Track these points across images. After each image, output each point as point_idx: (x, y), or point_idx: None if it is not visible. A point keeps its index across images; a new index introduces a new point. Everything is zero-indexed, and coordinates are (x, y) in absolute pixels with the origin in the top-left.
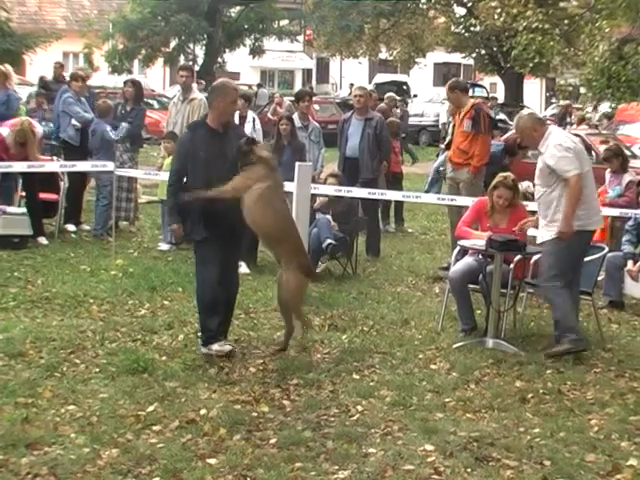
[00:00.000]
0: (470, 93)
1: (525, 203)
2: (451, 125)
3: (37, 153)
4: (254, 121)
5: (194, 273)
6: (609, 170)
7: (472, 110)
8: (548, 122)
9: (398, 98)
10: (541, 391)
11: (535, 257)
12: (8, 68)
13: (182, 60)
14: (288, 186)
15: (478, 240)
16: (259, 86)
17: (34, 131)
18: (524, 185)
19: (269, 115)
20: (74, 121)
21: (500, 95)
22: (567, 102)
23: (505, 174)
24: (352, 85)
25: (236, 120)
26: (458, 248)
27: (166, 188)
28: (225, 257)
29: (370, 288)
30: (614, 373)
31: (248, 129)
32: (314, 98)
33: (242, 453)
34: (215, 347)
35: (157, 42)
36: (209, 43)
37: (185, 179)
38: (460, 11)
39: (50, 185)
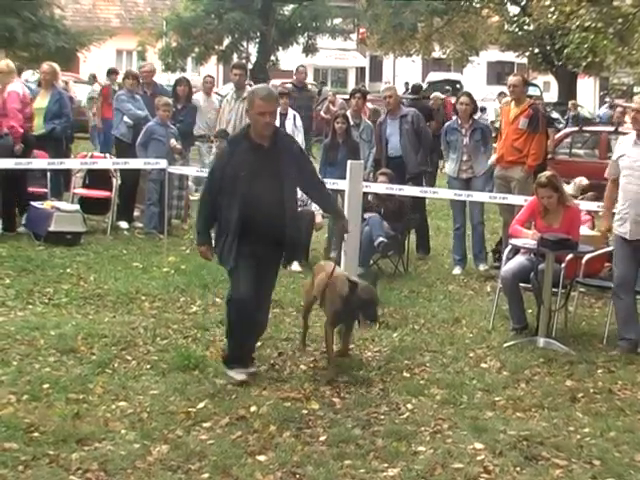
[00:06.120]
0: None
1: (577, 202)
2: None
3: None
4: (295, 118)
5: None
6: None
7: (530, 109)
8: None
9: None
10: (592, 390)
11: (587, 256)
12: (54, 66)
13: (235, 58)
14: (340, 184)
15: (527, 239)
16: (322, 84)
17: None
18: (577, 181)
19: (322, 113)
20: (126, 118)
21: (554, 94)
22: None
23: (541, 173)
24: (407, 84)
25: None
26: (510, 247)
27: (197, 206)
28: (259, 278)
29: (421, 286)
30: None
31: (289, 126)
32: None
33: (292, 450)
34: (231, 373)
35: (210, 40)
36: (262, 41)
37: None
38: (514, 10)
39: (103, 182)
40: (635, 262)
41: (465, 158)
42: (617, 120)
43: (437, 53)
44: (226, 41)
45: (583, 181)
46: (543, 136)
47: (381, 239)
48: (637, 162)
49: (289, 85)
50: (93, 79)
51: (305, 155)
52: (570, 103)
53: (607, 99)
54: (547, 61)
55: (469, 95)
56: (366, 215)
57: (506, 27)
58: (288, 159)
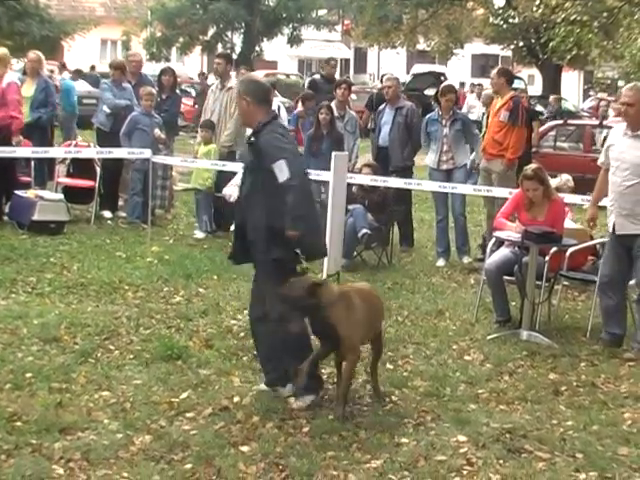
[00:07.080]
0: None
1: (562, 195)
2: (484, 116)
3: None
4: (279, 109)
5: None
6: None
7: (511, 102)
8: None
9: None
10: (575, 384)
11: (571, 250)
12: (40, 55)
13: (220, 48)
14: (324, 175)
15: (511, 232)
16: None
17: None
18: (564, 178)
19: None
20: (105, 107)
21: (538, 87)
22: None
23: (527, 166)
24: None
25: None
26: (494, 239)
27: None
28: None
29: (405, 278)
30: None
31: None
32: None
33: (275, 441)
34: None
35: (195, 30)
36: (247, 31)
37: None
38: (499, 2)
39: (87, 171)
40: (624, 259)
41: (445, 149)
42: (602, 114)
43: (422, 45)
44: (211, 31)
45: (569, 182)
46: (523, 129)
47: (365, 231)
48: (623, 153)
49: (317, 76)
50: (62, 67)
51: (268, 150)
52: (552, 97)
53: (591, 92)
54: (532, 54)
55: (454, 91)
56: (350, 207)
57: (491, 20)
58: (258, 155)
